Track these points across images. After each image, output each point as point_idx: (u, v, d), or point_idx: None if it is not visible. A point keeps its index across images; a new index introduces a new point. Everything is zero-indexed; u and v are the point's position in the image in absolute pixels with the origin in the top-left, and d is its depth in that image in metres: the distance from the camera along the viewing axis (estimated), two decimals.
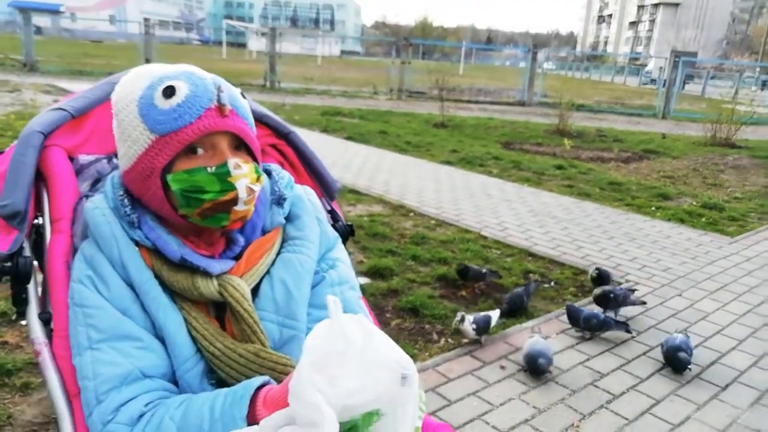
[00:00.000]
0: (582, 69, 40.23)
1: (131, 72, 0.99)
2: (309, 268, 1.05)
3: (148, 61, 15.80)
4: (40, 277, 1.08)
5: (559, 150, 9.20)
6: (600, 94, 22.90)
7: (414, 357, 2.74)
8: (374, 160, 7.45)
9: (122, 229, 0.97)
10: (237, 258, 1.01)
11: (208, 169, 0.92)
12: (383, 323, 3.07)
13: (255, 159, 1.00)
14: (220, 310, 0.98)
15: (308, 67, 25.85)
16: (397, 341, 2.85)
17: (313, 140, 8.69)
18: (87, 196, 1.08)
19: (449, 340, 2.94)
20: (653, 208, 5.95)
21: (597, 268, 3.71)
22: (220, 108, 0.91)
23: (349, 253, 4.38)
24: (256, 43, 34.07)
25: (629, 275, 3.98)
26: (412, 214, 5.14)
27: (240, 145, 0.97)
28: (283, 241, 1.08)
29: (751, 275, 4.14)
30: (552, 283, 3.77)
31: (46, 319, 1.03)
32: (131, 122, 0.92)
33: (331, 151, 7.72)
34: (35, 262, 1.08)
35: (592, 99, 19.37)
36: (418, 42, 28.06)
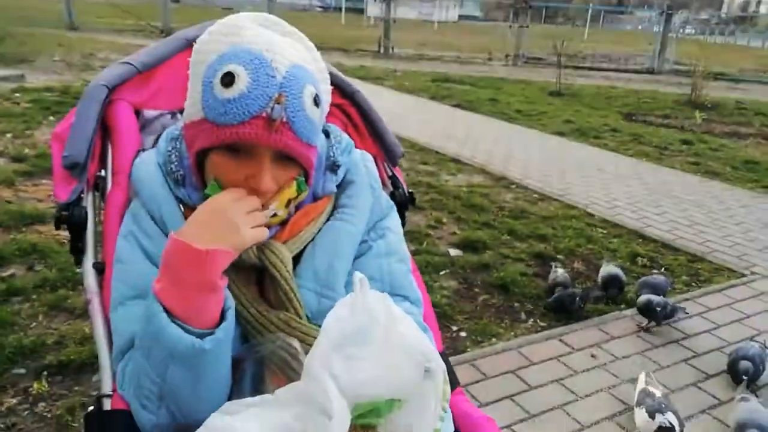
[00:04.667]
0: (727, 33, 36.12)
1: (219, 25, 0.91)
2: (354, 239, 1.00)
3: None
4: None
5: (689, 123, 8.36)
6: (745, 61, 20.48)
7: (498, 336, 2.64)
8: (480, 128, 7.22)
9: (167, 185, 0.96)
10: (284, 224, 0.98)
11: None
12: (470, 298, 2.98)
13: (306, 170, 0.93)
14: (263, 276, 0.95)
15: (424, 32, 25.49)
16: (482, 318, 2.73)
17: (420, 107, 8.62)
18: (144, 150, 1.09)
19: (538, 321, 2.79)
20: None
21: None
22: (270, 121, 0.83)
23: (442, 224, 4.26)
24: (375, 9, 34.02)
25: (756, 266, 3.54)
26: (514, 186, 4.92)
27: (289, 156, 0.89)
28: (334, 208, 1.03)
29: None
30: (662, 270, 3.44)
31: (100, 269, 1.05)
32: (196, 84, 0.88)
33: (436, 119, 7.59)
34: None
35: (736, 67, 17.37)
36: (538, 5, 26.49)
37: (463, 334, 2.64)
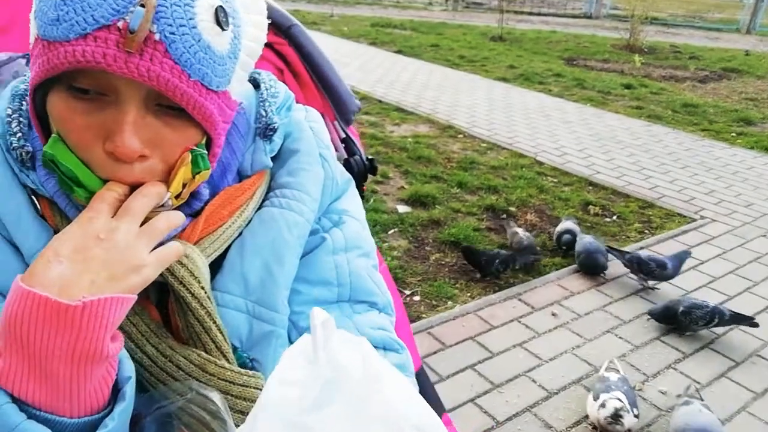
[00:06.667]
0: None
1: None
2: (301, 232, 0.68)
3: None
4: None
5: (628, 67, 8.35)
6: (676, 6, 20.84)
7: (454, 298, 2.46)
8: (424, 75, 6.93)
9: (9, 168, 0.62)
10: (196, 216, 0.64)
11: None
12: (422, 258, 2.78)
13: (207, 132, 0.58)
14: (165, 295, 0.63)
15: None
16: (435, 279, 2.46)
17: (360, 53, 8.21)
18: None
19: (495, 279, 2.64)
20: (734, 135, 5.30)
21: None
22: (126, 36, 0.49)
23: (388, 178, 3.93)
24: None
25: (704, 210, 3.51)
26: (461, 135, 4.72)
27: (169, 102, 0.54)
28: (269, 189, 0.71)
29: None
30: (614, 218, 3.36)
31: None
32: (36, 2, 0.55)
33: (378, 65, 7.24)
34: None
35: (667, 12, 17.63)
36: None
37: (416, 298, 2.45)
